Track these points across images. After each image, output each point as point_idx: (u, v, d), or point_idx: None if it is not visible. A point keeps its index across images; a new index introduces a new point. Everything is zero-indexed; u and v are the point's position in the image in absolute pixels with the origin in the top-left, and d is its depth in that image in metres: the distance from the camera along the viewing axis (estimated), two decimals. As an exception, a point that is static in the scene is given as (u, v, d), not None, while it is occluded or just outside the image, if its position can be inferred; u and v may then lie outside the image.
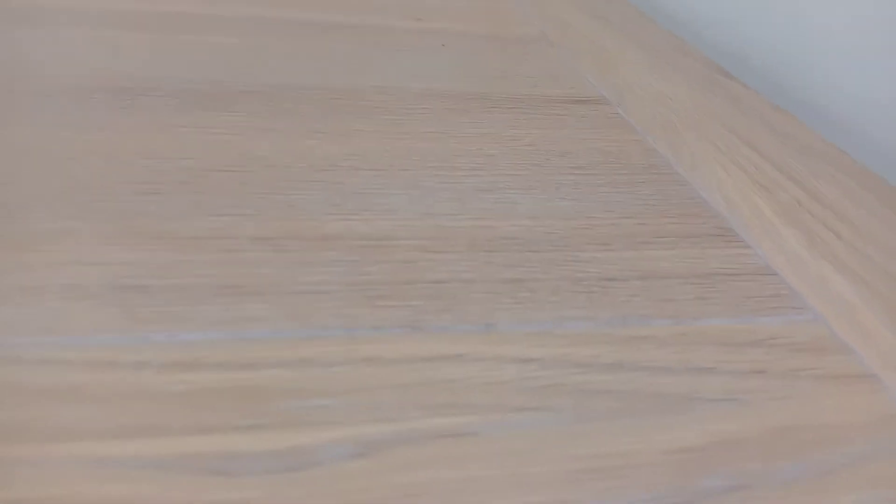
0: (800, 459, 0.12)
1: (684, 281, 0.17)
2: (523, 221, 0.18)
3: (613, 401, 0.13)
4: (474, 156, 0.21)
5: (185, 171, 0.18)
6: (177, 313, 0.14)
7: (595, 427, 0.12)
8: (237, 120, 0.21)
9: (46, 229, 0.15)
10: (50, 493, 0.10)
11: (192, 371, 0.12)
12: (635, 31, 0.36)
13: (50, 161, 0.18)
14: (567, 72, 0.29)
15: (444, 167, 0.20)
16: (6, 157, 0.18)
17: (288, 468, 0.11)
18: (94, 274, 0.14)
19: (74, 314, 0.13)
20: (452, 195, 0.19)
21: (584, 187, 0.20)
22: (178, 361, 0.12)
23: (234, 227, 0.16)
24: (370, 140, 0.21)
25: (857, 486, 0.12)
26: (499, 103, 0.25)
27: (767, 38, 0.37)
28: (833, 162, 0.23)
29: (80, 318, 0.13)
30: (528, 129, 0.23)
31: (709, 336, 0.15)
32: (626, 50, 0.32)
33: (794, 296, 0.17)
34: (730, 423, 0.13)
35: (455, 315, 0.15)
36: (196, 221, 0.16)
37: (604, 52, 0.31)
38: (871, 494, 0.12)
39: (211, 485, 0.10)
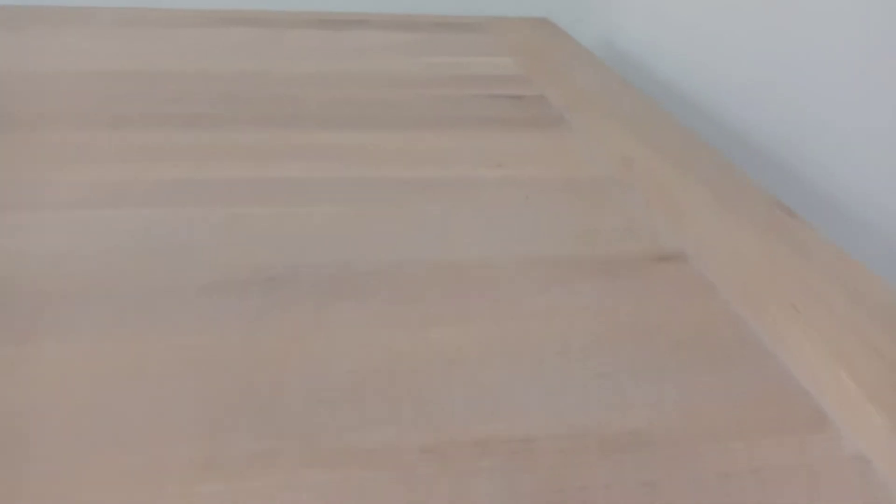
0: None
1: (791, 475, 0.19)
2: (642, 413, 0.21)
3: None
4: (585, 336, 0.24)
5: (347, 376, 0.21)
6: (380, 540, 0.16)
7: None
8: (371, 311, 0.24)
9: (252, 452, 0.18)
10: None
11: None
12: (693, 161, 0.38)
13: (232, 371, 0.21)
14: (642, 222, 0.32)
15: (562, 352, 0.23)
16: (187, 366, 0.21)
17: None
18: (306, 499, 0.17)
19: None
20: (575, 386, 0.22)
21: (687, 372, 0.23)
22: None
23: (402, 440, 0.19)
24: (489, 324, 0.24)
25: None
26: (593, 269, 0.28)
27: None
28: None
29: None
30: (625, 300, 0.26)
31: (823, 539, 0.17)
32: (690, 188, 0.35)
33: (884, 486, 0.19)
34: None
35: (604, 528, 0.17)
36: (370, 435, 0.19)
37: (670, 193, 0.34)
38: None
39: None
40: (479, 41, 0.60)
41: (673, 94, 0.60)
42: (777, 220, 0.33)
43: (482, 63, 0.54)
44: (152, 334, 0.22)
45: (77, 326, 0.22)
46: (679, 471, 0.19)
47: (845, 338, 0.25)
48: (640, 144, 0.40)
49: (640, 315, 0.25)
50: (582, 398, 0.21)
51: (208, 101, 0.42)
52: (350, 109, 0.43)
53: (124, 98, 0.42)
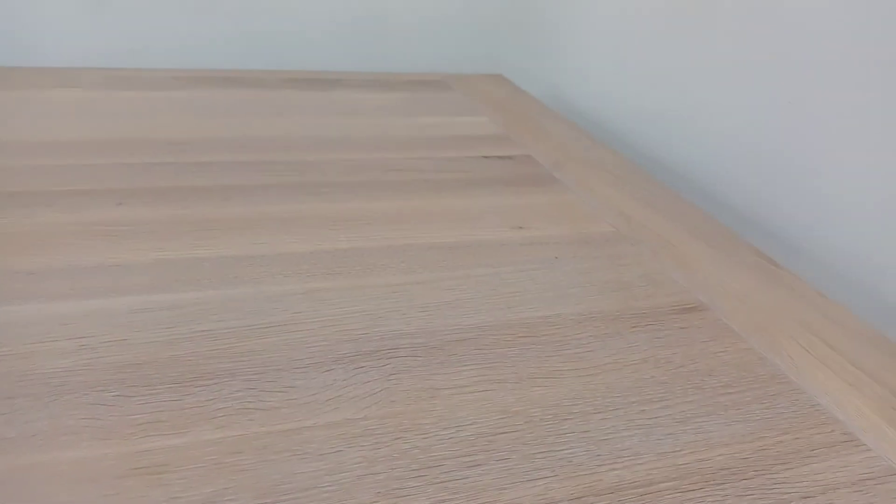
0: None
1: (850, 490, 0.24)
2: (722, 451, 0.25)
3: None
4: (653, 385, 0.28)
5: (479, 437, 0.24)
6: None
7: None
8: (474, 373, 0.27)
9: (431, 514, 0.21)
10: None
11: None
12: (677, 212, 0.44)
13: (380, 443, 0.23)
14: (659, 275, 0.37)
15: (642, 401, 0.27)
16: (340, 440, 0.23)
17: None
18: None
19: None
20: (666, 430, 0.26)
21: (741, 407, 0.27)
22: None
23: (548, 492, 0.22)
24: (575, 379, 0.28)
25: None
26: (636, 322, 0.32)
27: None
28: (880, 346, 0.32)
29: None
30: (673, 349, 0.30)
31: (889, 540, 0.22)
32: (688, 242, 0.40)
33: (918, 491, 0.24)
34: None
35: (734, 549, 0.21)
36: (524, 490, 0.22)
37: (672, 247, 0.39)
38: None
39: None
40: (452, 100, 0.64)
41: (614, 137, 0.67)
42: (764, 268, 0.38)
43: (464, 123, 0.58)
44: (298, 411, 0.24)
45: (208, 409, 0.24)
46: (775, 496, 0.23)
47: (847, 368, 0.30)
48: (627, 198, 0.46)
49: (691, 363, 0.30)
50: (675, 441, 0.25)
51: (227, 169, 0.43)
52: (367, 175, 0.45)
53: (133, 170, 0.42)
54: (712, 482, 0.24)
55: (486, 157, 0.51)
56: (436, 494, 0.22)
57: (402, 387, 0.26)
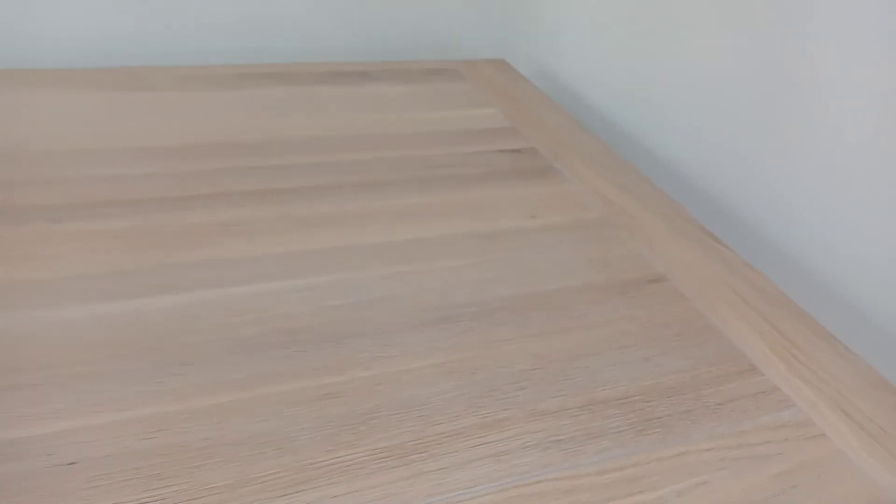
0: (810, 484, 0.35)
1: (747, 399, 0.39)
2: (671, 377, 0.40)
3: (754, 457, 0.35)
4: (629, 335, 0.42)
5: (521, 372, 0.38)
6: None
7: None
8: (513, 330, 0.41)
9: (499, 417, 0.35)
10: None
11: None
12: (647, 197, 0.58)
13: (465, 375, 0.37)
14: (634, 253, 0.51)
15: (623, 346, 0.41)
16: (444, 375, 0.37)
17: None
18: (538, 439, 0.34)
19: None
20: (636, 365, 0.40)
21: (686, 349, 0.42)
22: None
23: (565, 404, 0.37)
24: (578, 332, 0.42)
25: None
26: (618, 291, 0.46)
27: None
28: (790, 309, 0.46)
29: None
30: (641, 310, 0.45)
31: (766, 426, 0.37)
32: (655, 225, 0.54)
33: (787, 399, 0.39)
34: (779, 464, 0.35)
35: (651, 440, 0.36)
36: (553, 402, 0.36)
37: (643, 229, 0.53)
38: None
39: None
40: (465, 91, 0.76)
41: (596, 115, 0.80)
42: (710, 245, 0.53)
43: (477, 116, 0.70)
44: (409, 357, 0.38)
45: (306, 363, 0.38)
46: (699, 403, 0.38)
47: (759, 321, 0.45)
48: (610, 186, 0.59)
49: (654, 319, 0.44)
50: (642, 371, 0.40)
51: (301, 171, 0.56)
52: (410, 172, 0.58)
53: (220, 175, 0.54)
54: (664, 396, 0.38)
55: (501, 150, 0.64)
56: (500, 406, 0.36)
57: (470, 341, 0.40)
